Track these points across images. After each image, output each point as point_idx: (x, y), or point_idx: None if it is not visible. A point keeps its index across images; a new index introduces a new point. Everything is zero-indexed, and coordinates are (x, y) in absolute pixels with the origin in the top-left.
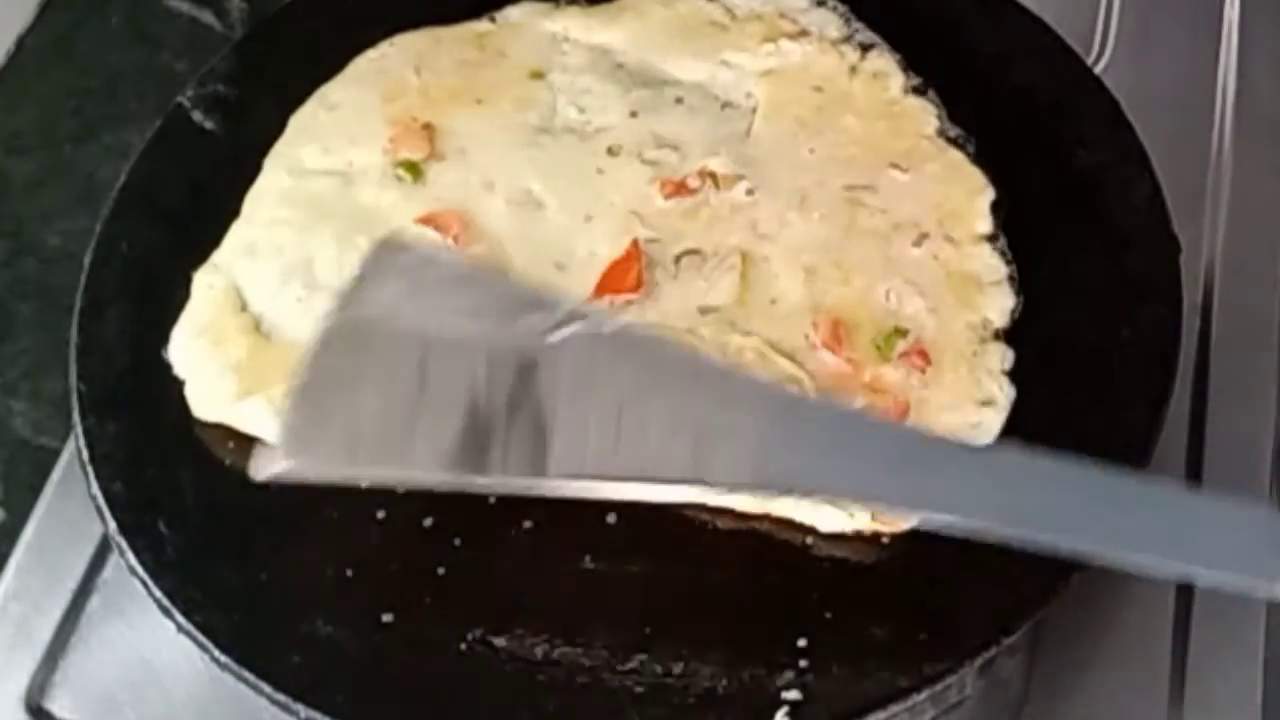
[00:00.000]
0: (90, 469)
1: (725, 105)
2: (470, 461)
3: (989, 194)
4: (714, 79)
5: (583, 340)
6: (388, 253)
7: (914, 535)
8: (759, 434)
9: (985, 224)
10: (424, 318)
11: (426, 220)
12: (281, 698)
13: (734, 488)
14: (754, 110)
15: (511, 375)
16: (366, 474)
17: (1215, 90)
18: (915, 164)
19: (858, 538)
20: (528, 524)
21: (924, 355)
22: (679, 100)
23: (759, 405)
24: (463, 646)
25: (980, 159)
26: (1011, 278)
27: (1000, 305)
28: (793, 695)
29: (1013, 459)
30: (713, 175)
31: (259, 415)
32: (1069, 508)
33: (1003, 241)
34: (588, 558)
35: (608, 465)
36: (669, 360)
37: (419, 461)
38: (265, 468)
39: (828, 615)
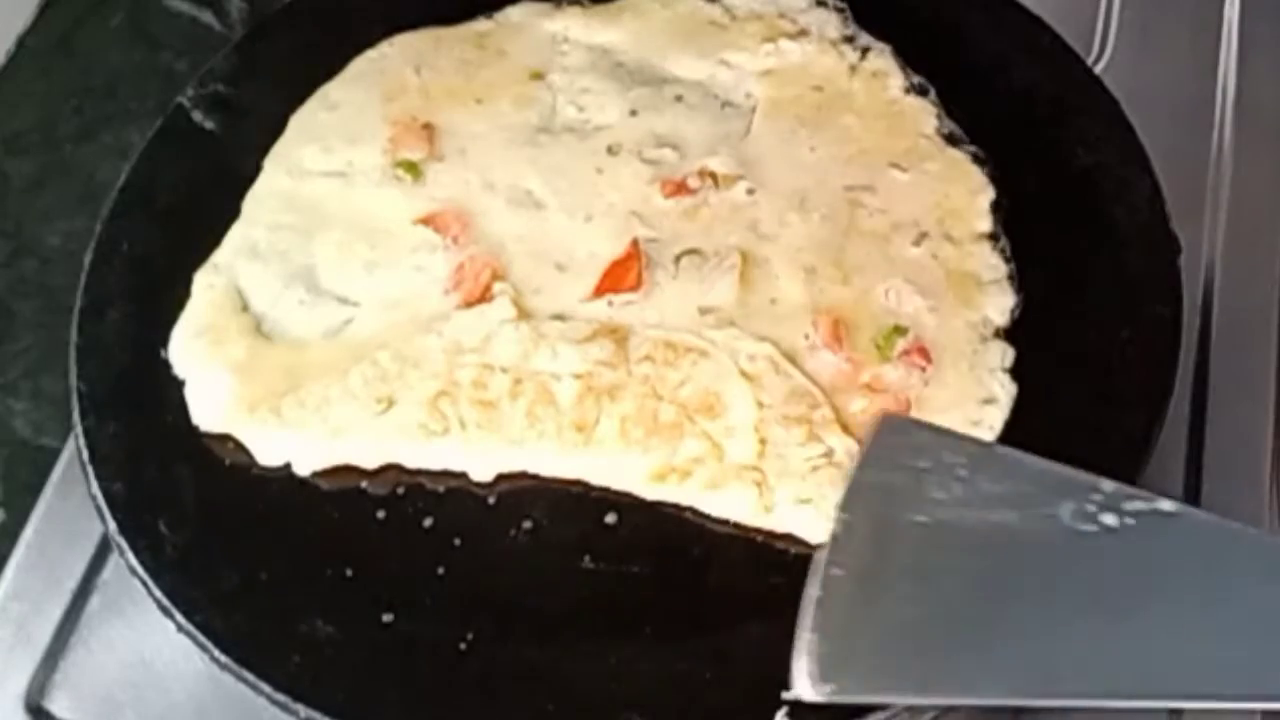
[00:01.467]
0: (90, 469)
1: (725, 104)
2: (1038, 682)
3: (989, 193)
4: (714, 78)
5: (1141, 527)
6: (892, 432)
7: None
8: None
9: (985, 223)
10: (947, 506)
11: (426, 220)
12: (281, 698)
13: None
14: (753, 110)
15: (1062, 566)
16: (919, 701)
17: (1215, 90)
18: (915, 163)
19: None
20: (527, 524)
21: (924, 354)
22: (678, 98)
23: None
24: (463, 646)
25: (980, 159)
26: (1011, 276)
27: (1000, 304)
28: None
29: None
30: (713, 175)
31: (263, 429)
32: None
33: (1003, 240)
34: (588, 558)
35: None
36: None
37: (980, 686)
38: (796, 690)
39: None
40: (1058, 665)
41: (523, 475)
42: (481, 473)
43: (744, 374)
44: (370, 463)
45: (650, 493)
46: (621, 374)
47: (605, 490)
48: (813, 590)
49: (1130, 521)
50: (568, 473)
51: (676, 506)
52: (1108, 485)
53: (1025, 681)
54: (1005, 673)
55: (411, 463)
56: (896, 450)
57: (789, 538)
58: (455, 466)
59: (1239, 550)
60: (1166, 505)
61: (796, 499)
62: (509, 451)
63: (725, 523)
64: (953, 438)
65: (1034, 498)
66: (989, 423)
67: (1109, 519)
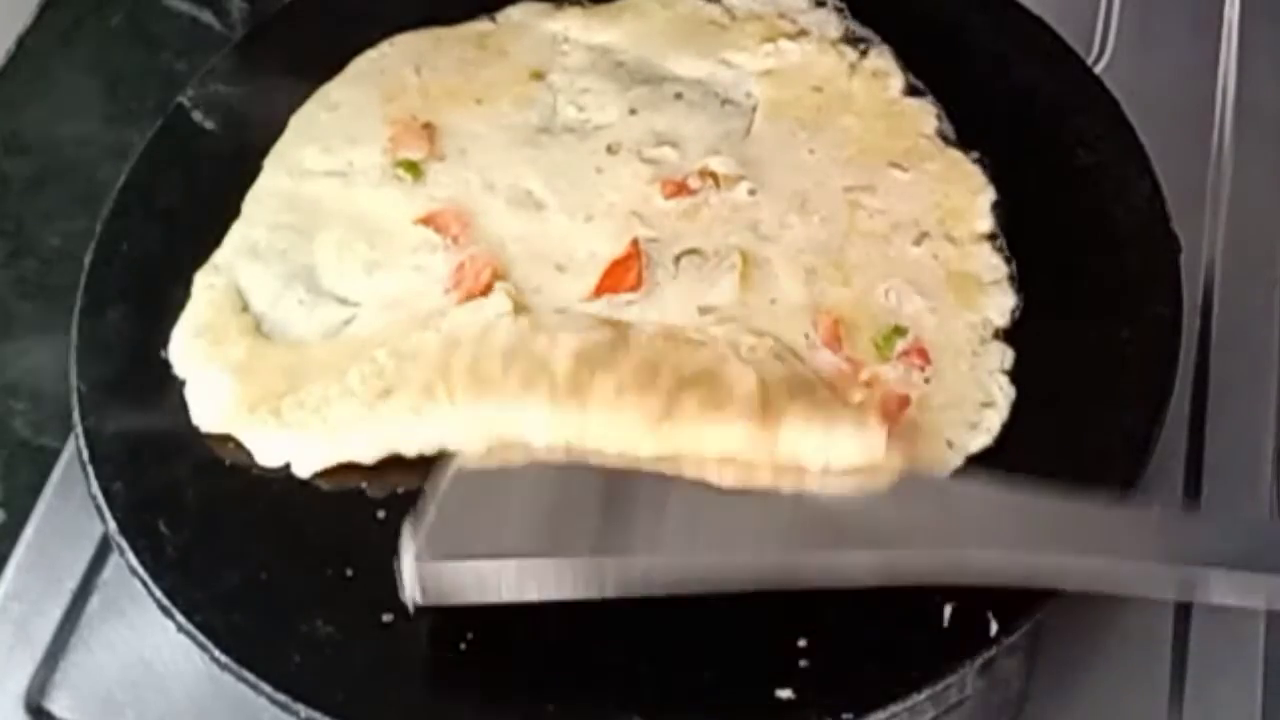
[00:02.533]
0: (90, 469)
1: (725, 101)
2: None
3: (989, 193)
4: (714, 76)
5: None
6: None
7: None
8: None
9: (985, 223)
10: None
11: (426, 220)
12: (281, 698)
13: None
14: (754, 109)
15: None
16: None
17: (1215, 90)
18: (915, 163)
19: None
20: None
21: (924, 354)
22: (678, 96)
23: None
24: (462, 646)
25: (980, 159)
26: (1011, 277)
27: (1000, 304)
28: (793, 695)
29: None
30: (714, 175)
31: (263, 429)
32: None
33: (1003, 241)
34: None
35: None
36: None
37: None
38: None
39: (828, 615)
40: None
41: (517, 445)
42: (474, 444)
43: (745, 361)
44: (368, 456)
45: (648, 445)
46: (620, 352)
47: (599, 455)
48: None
49: None
50: (561, 436)
51: (675, 461)
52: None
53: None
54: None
55: (407, 447)
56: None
57: None
58: (449, 442)
59: None
60: None
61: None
62: (500, 418)
63: None
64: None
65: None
66: (987, 425)
67: None
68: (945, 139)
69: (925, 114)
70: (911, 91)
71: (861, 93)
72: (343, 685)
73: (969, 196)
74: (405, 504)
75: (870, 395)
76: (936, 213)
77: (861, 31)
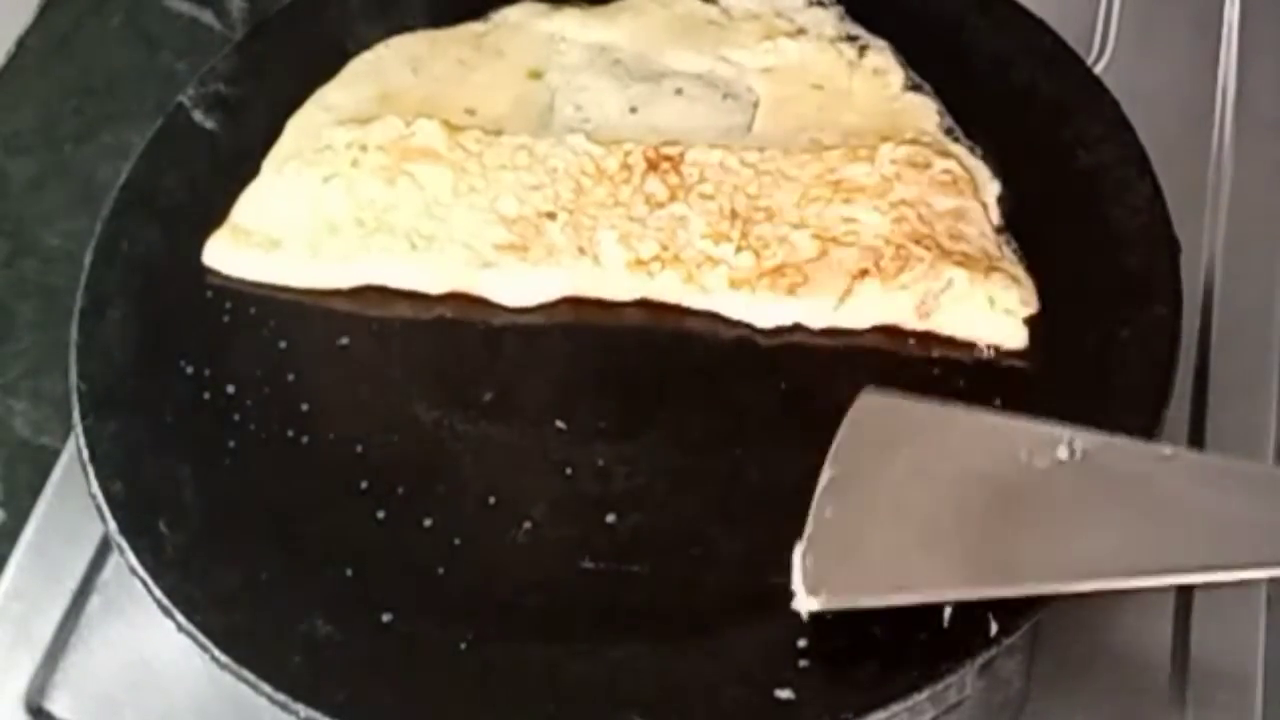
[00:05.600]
0: (90, 469)
1: (726, 95)
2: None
3: (994, 187)
4: (713, 72)
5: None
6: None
7: None
8: None
9: (994, 215)
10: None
11: None
12: (281, 698)
13: None
14: (755, 104)
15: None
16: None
17: (1215, 90)
18: None
19: None
20: (527, 524)
21: None
22: (678, 91)
23: None
24: (463, 646)
25: (979, 159)
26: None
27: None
28: (793, 695)
29: None
30: None
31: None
32: None
33: (1009, 235)
34: (588, 558)
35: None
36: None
37: (952, 581)
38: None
39: (828, 615)
40: (1022, 559)
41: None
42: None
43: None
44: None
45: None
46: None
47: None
48: (807, 530)
49: (1085, 451)
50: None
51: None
52: (1069, 433)
53: (993, 575)
54: (976, 569)
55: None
56: (876, 414)
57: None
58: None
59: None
60: (1119, 440)
61: None
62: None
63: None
64: (926, 405)
65: (1001, 448)
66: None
67: (1063, 453)
68: (949, 134)
69: (926, 110)
70: (912, 88)
71: (862, 90)
72: (343, 685)
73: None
74: (405, 504)
75: None
76: None
77: (859, 31)
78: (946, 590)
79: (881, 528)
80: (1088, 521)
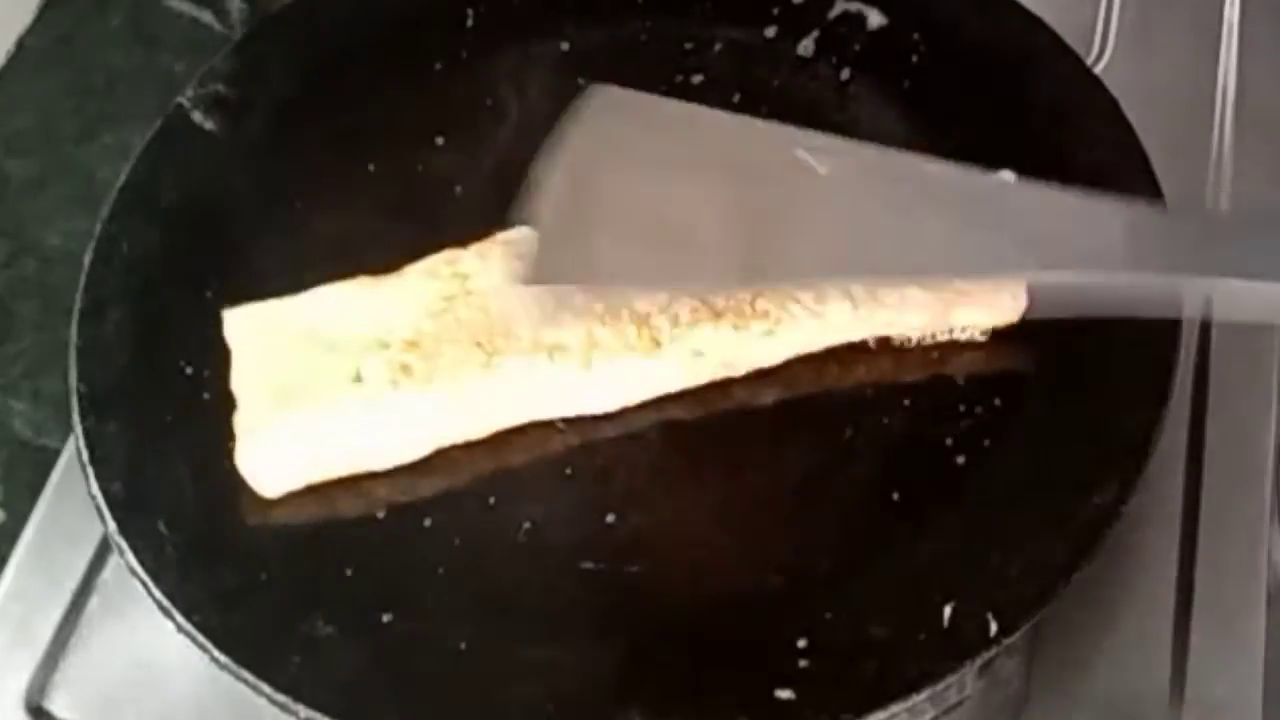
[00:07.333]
0: (90, 469)
1: None
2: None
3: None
4: None
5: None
6: (600, 93)
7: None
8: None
9: None
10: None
11: None
12: (281, 698)
13: None
14: None
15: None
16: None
17: (1215, 90)
18: None
19: None
20: (527, 524)
21: None
22: None
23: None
24: (463, 646)
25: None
26: None
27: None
28: (793, 695)
29: None
30: None
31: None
32: None
33: None
34: (587, 558)
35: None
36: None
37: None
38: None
39: (828, 615)
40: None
41: None
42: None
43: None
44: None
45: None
46: None
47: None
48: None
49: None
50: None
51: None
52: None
53: (727, 273)
54: (705, 268)
55: None
56: (599, 108)
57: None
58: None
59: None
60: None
61: None
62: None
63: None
64: (662, 103)
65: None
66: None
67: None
68: None
69: None
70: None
71: None
72: (343, 685)
73: None
74: (405, 504)
75: None
76: None
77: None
78: (663, 283)
79: (610, 222)
80: (834, 227)
